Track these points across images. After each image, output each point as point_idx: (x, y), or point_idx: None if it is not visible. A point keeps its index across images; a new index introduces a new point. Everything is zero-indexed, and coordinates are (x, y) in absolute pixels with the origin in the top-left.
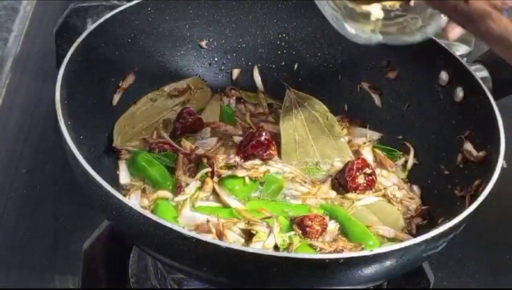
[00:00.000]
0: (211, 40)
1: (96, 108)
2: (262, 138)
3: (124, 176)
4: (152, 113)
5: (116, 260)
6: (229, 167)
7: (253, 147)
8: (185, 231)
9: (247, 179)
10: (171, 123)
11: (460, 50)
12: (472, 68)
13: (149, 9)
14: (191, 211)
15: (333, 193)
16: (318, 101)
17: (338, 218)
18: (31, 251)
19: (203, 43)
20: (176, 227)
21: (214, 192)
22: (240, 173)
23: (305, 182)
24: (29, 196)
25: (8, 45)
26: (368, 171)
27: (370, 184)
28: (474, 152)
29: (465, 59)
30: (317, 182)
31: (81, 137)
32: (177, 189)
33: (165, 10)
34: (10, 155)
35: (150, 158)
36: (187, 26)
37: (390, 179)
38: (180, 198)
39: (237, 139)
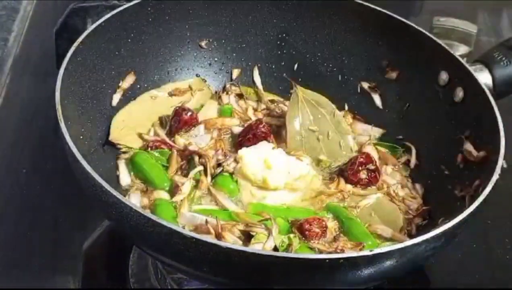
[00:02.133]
0: (211, 40)
1: (96, 108)
2: (259, 131)
3: (124, 177)
4: (150, 110)
5: (116, 260)
6: (219, 164)
7: (249, 140)
8: (185, 231)
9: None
10: (168, 121)
11: (460, 50)
12: (472, 68)
13: (149, 9)
14: (190, 212)
15: (349, 187)
16: (325, 99)
17: (340, 217)
18: (31, 251)
19: (203, 43)
20: (176, 227)
21: (211, 192)
22: (228, 165)
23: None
24: (29, 196)
25: (8, 45)
26: (372, 167)
27: (373, 181)
28: (474, 152)
29: (465, 59)
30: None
31: (81, 137)
32: (174, 189)
33: (165, 10)
34: (10, 155)
35: (148, 158)
36: (187, 26)
37: (394, 177)
38: (178, 198)
39: (237, 130)
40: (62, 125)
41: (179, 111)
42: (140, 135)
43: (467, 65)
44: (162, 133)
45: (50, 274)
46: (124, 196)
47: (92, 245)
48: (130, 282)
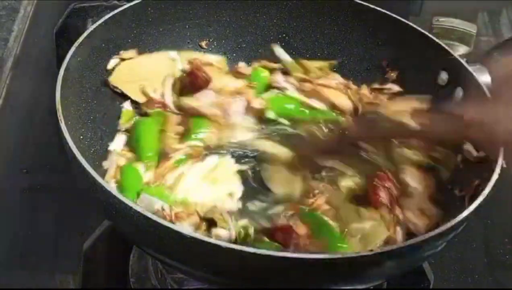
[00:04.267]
0: (211, 40)
1: (96, 108)
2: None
3: (116, 144)
4: (162, 69)
5: (116, 260)
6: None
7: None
8: (185, 231)
9: None
10: (178, 81)
11: (460, 50)
12: (472, 68)
13: (149, 9)
14: (148, 195)
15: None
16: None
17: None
18: (31, 251)
19: (203, 43)
20: (176, 227)
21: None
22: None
23: None
24: (29, 196)
25: (8, 45)
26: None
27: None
28: (474, 152)
29: (465, 59)
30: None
31: (81, 137)
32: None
33: (165, 10)
34: (10, 155)
35: (152, 125)
36: (187, 26)
37: None
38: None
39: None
40: (62, 125)
41: (194, 71)
42: (143, 90)
43: (467, 65)
44: (169, 94)
45: (50, 274)
46: (104, 174)
47: (92, 245)
48: (130, 282)
